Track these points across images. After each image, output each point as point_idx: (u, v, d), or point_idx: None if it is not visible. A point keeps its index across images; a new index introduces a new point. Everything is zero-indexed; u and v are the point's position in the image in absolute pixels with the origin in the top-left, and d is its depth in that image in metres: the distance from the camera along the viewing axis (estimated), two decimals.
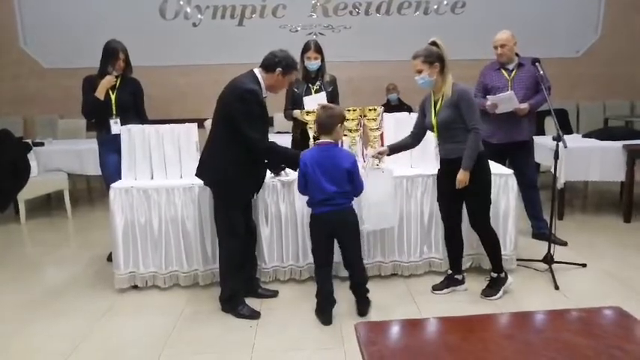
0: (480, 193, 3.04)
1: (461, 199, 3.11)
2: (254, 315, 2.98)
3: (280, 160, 3.11)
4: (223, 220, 2.97)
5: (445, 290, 3.25)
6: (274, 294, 3.24)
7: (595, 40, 7.06)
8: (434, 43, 3.00)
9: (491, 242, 3.14)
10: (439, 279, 3.37)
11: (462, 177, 2.93)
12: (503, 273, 3.19)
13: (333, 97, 3.80)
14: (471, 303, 3.10)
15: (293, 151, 3.15)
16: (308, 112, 3.41)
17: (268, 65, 2.89)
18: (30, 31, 6.73)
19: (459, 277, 3.28)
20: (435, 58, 2.94)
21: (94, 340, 2.78)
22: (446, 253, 3.39)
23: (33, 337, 2.83)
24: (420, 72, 2.97)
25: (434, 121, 3.03)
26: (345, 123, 3.25)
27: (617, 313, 1.67)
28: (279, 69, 2.86)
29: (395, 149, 3.21)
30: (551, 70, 4.00)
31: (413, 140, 3.23)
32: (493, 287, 3.17)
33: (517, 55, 3.94)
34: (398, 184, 3.36)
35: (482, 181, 3.02)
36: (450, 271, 3.30)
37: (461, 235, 3.23)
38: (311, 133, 3.47)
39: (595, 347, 1.46)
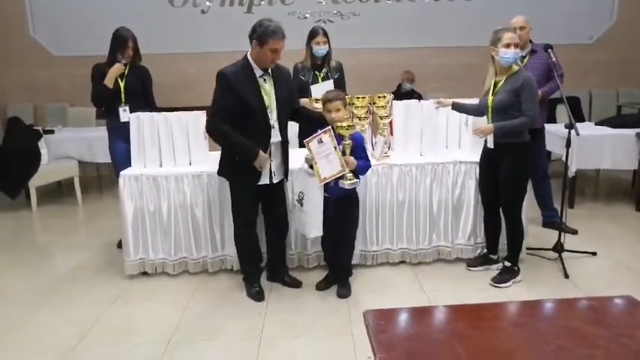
0: (515, 183, 3.07)
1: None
2: (258, 298, 3.02)
3: (232, 149, 2.89)
4: (232, 205, 3.03)
5: (479, 267, 3.34)
6: (298, 284, 3.19)
7: (609, 26, 6.92)
8: None
9: (516, 233, 3.16)
10: (448, 267, 3.38)
11: (486, 129, 3.02)
12: (517, 267, 3.19)
13: (340, 83, 3.77)
14: (480, 291, 3.09)
15: (249, 143, 2.82)
16: (317, 100, 3.39)
17: (249, 40, 2.83)
18: (39, 19, 6.73)
19: (495, 257, 3.34)
20: None
21: (104, 326, 2.81)
22: (455, 241, 3.45)
23: (43, 322, 2.87)
24: (516, 46, 2.99)
25: (490, 101, 3.05)
26: (354, 110, 3.24)
27: (629, 302, 1.65)
28: (254, 41, 2.79)
29: (458, 107, 3.33)
30: (564, 57, 3.93)
31: (477, 111, 3.26)
32: (504, 275, 3.17)
33: (530, 41, 3.88)
34: (407, 172, 3.34)
35: (520, 171, 3.06)
36: (485, 250, 3.38)
37: (499, 219, 3.25)
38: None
39: (606, 336, 1.45)
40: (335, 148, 2.82)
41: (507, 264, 3.19)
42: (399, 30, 6.78)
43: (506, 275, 3.16)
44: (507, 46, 2.93)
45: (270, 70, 2.89)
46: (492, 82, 3.08)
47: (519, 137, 3.00)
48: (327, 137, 2.83)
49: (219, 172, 3.05)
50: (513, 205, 3.11)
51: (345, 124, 2.88)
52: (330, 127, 2.85)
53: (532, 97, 2.96)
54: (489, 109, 3.06)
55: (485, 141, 3.13)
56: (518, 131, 2.98)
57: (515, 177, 3.05)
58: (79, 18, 6.63)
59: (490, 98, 3.05)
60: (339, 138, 2.85)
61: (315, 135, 2.86)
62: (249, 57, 2.86)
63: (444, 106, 3.39)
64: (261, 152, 2.84)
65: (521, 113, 2.94)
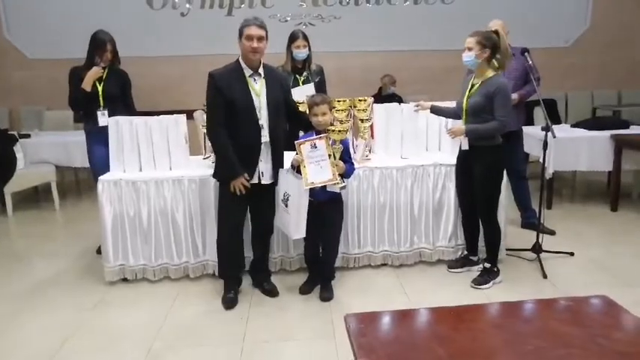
0: (489, 185, 3.11)
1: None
2: (228, 306, 2.98)
3: (221, 160, 2.90)
4: (219, 208, 3.06)
5: (460, 269, 3.37)
6: (275, 294, 3.13)
7: (584, 30, 7.08)
8: (496, 32, 3.08)
9: (492, 234, 3.20)
10: (429, 269, 3.41)
11: (458, 130, 3.07)
12: (497, 268, 3.23)
13: (320, 87, 3.78)
14: (460, 293, 3.12)
15: (235, 162, 2.83)
16: (298, 104, 3.39)
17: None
18: (14, 20, 6.60)
19: (475, 258, 3.38)
20: (489, 44, 3.02)
21: (84, 334, 2.76)
22: (436, 243, 3.48)
23: (22, 330, 2.81)
24: (469, 49, 3.01)
25: (464, 103, 3.09)
26: (335, 113, 3.25)
27: (604, 302, 1.69)
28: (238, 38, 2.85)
29: (437, 110, 3.39)
30: (540, 60, 4.00)
31: (455, 114, 3.31)
32: (484, 276, 3.20)
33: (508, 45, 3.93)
34: (388, 175, 3.36)
35: (493, 173, 3.11)
36: (465, 252, 3.42)
37: (477, 220, 3.27)
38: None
39: (582, 336, 1.48)
40: (330, 156, 2.83)
41: (487, 265, 3.23)
42: (379, 33, 6.82)
43: (486, 276, 3.20)
44: (465, 49, 3.03)
45: (262, 72, 2.90)
46: (470, 84, 3.12)
47: (491, 140, 3.05)
48: (322, 143, 2.83)
49: (214, 175, 3.02)
50: (488, 207, 3.15)
51: (338, 128, 2.90)
52: (326, 134, 2.87)
53: (504, 104, 2.99)
54: (464, 110, 3.11)
55: (461, 144, 3.17)
56: (489, 135, 3.03)
57: (488, 179, 3.10)
58: (55, 20, 6.52)
59: (465, 100, 3.10)
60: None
61: (309, 138, 2.86)
62: (240, 59, 2.88)
63: (423, 109, 3.43)
64: (241, 178, 2.82)
65: (494, 117, 2.99)
